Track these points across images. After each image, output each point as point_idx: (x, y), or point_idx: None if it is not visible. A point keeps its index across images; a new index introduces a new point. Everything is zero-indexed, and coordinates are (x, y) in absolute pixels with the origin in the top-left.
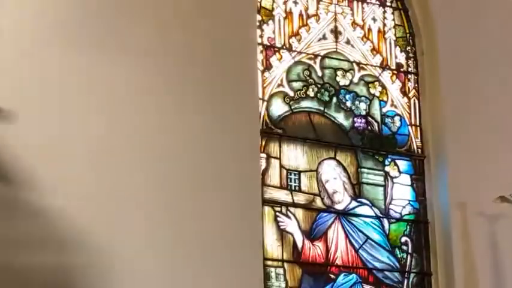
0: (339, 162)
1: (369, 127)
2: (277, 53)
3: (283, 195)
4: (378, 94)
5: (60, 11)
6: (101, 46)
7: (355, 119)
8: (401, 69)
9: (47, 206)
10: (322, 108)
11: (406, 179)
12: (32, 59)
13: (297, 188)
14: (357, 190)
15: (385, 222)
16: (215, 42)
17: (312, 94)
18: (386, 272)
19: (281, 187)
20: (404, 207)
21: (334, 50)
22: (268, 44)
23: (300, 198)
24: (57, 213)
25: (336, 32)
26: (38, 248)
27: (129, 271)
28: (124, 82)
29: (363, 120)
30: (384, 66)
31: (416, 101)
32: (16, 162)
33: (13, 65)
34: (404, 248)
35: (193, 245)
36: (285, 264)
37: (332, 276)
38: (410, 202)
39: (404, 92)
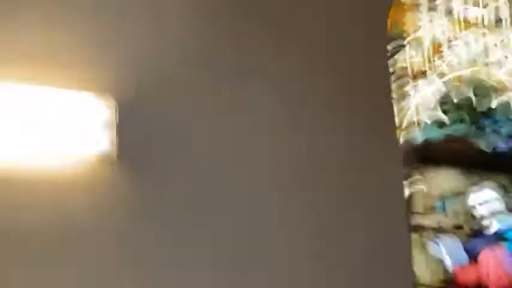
0: (487, 187)
1: None
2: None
3: (430, 221)
4: None
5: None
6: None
7: (501, 143)
8: None
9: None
10: (466, 133)
11: None
12: (183, 87)
13: (444, 213)
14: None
15: None
16: (348, 73)
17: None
18: None
19: (427, 213)
20: None
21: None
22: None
23: (448, 224)
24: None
25: None
26: None
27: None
28: (262, 108)
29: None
30: None
31: None
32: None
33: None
34: None
35: (342, 274)
36: None
37: None
38: None
39: None
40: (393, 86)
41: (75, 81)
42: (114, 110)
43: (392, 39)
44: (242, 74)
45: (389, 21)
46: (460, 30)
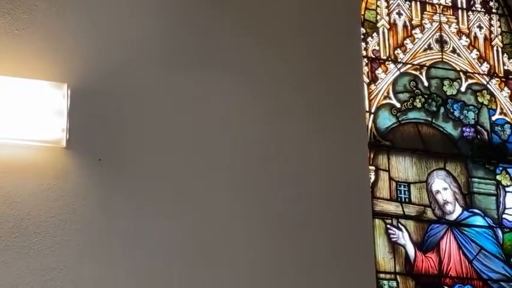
0: (448, 173)
1: (478, 136)
2: (382, 65)
3: (393, 208)
4: (486, 102)
5: (161, 30)
6: (203, 64)
7: (464, 129)
8: (510, 76)
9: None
10: (429, 119)
11: None
12: (135, 78)
13: (407, 199)
14: (468, 200)
15: (499, 232)
16: (320, 56)
17: (419, 105)
18: (502, 283)
19: (391, 199)
20: None
21: (440, 59)
22: (373, 57)
23: (411, 210)
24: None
25: (441, 42)
26: None
27: (236, 278)
28: (228, 100)
29: (472, 130)
30: (491, 74)
31: None
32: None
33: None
34: None
35: (303, 258)
36: (398, 277)
37: None
38: None
39: None
40: (365, 69)
41: (29, 69)
42: (66, 98)
43: (365, 22)
44: (209, 66)
45: (362, 4)
46: (430, 15)
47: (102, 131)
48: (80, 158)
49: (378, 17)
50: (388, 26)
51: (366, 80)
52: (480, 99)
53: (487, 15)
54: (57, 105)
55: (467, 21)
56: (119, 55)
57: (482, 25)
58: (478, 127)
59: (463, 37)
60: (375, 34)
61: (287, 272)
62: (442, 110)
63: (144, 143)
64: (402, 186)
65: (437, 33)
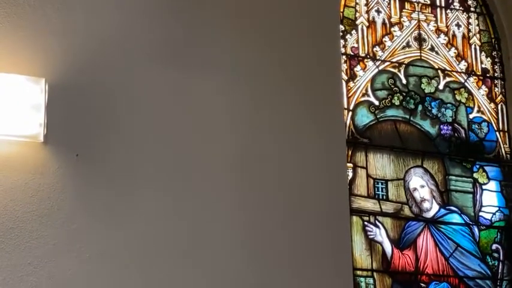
0: (426, 170)
1: (456, 134)
2: (361, 63)
3: (370, 205)
4: (464, 100)
5: (140, 26)
6: (181, 60)
7: (442, 126)
8: (488, 75)
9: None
10: (407, 116)
11: (495, 185)
12: (113, 73)
13: (384, 197)
14: (445, 198)
15: (475, 229)
16: (299, 53)
17: (397, 102)
18: (478, 280)
19: (368, 196)
20: (494, 214)
21: (419, 57)
22: (352, 54)
23: (388, 207)
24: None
25: (419, 39)
26: None
27: (215, 275)
28: (210, 98)
29: (450, 127)
30: (469, 72)
31: (504, 107)
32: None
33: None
34: (496, 255)
35: (281, 255)
36: (375, 274)
37: (423, 285)
38: (500, 208)
39: (491, 98)
40: (343, 67)
41: (6, 63)
42: (44, 92)
43: (344, 19)
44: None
45: (341, 1)
46: (409, 13)
47: (80, 126)
48: (57, 153)
49: (357, 14)
50: (367, 24)
51: (345, 77)
52: (458, 97)
53: (465, 13)
54: (34, 100)
55: (446, 20)
56: (97, 50)
57: (460, 23)
58: (456, 125)
59: (442, 35)
60: (353, 31)
61: (264, 268)
62: (420, 107)
63: (121, 138)
64: (380, 183)
65: (416, 31)
